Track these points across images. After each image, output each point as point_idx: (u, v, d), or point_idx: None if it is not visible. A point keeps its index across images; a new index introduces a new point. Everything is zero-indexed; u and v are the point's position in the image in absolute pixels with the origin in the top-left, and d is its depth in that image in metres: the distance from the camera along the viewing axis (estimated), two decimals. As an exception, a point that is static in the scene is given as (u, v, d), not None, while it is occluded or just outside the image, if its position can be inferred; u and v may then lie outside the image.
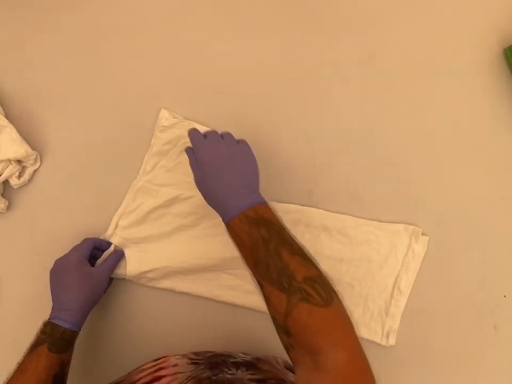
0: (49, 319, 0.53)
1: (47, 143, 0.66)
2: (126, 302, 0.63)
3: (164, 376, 0.44)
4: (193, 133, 0.52)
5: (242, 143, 0.52)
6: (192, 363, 0.48)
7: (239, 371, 0.46)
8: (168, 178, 0.63)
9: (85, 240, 0.59)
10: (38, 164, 0.65)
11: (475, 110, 0.66)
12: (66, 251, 0.62)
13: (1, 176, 0.62)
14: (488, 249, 0.62)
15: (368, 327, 0.60)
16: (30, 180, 0.65)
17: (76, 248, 0.58)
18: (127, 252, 0.61)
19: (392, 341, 0.59)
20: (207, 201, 0.50)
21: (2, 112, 0.64)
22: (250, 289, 0.60)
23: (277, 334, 0.42)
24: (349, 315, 0.41)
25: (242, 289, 0.61)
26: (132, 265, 0.61)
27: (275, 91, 0.67)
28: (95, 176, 0.65)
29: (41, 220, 0.64)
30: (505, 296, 0.61)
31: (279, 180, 0.65)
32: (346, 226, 0.61)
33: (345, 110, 0.66)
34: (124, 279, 0.62)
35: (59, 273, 0.56)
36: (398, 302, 0.59)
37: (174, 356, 0.50)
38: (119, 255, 0.60)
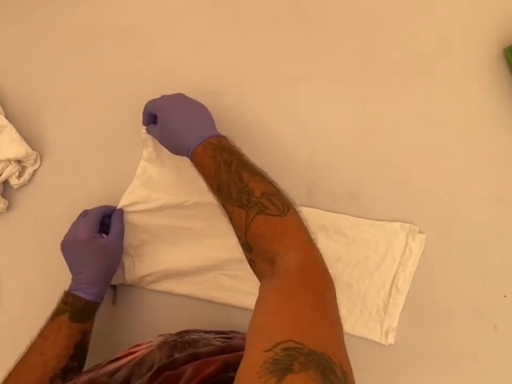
0: (69, 290, 0.54)
1: (47, 143, 0.66)
2: (126, 304, 0.63)
3: (139, 350, 0.47)
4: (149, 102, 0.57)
5: (179, 95, 0.56)
6: (166, 339, 0.50)
7: (207, 335, 0.48)
8: (158, 184, 0.63)
9: (90, 212, 0.58)
10: (38, 163, 0.65)
11: (475, 110, 0.66)
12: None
13: (1, 176, 0.62)
14: (488, 249, 0.62)
15: (367, 326, 0.60)
16: (30, 180, 0.65)
17: (82, 224, 0.56)
18: (124, 257, 0.61)
19: (391, 339, 0.59)
20: (173, 151, 0.54)
21: (2, 112, 0.64)
22: (247, 290, 0.60)
23: None
24: (306, 225, 0.43)
25: (239, 291, 0.61)
26: (130, 270, 0.61)
27: (275, 91, 0.67)
28: (94, 176, 0.65)
29: (41, 220, 0.64)
30: (505, 296, 0.61)
31: (279, 180, 0.64)
32: (343, 226, 0.61)
33: (345, 110, 0.66)
34: (123, 283, 0.62)
35: (72, 250, 0.56)
36: (396, 301, 0.59)
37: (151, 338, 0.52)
38: (121, 215, 0.60)
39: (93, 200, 0.64)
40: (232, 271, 0.61)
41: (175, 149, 0.53)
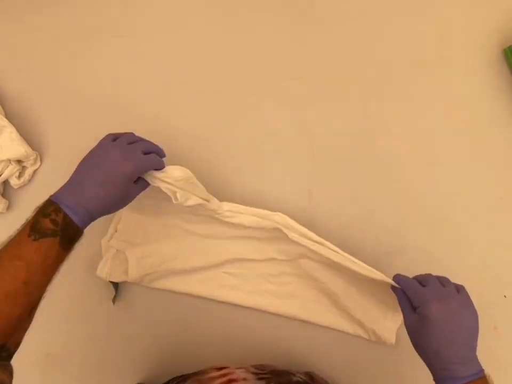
0: (59, 203, 0.43)
1: (47, 143, 0.66)
2: (128, 303, 0.63)
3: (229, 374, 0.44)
4: (407, 282, 0.47)
5: (463, 293, 0.46)
6: (259, 379, 0.47)
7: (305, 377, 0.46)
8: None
9: (149, 159, 0.49)
10: (38, 164, 0.65)
11: (475, 109, 0.66)
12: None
13: (1, 176, 0.62)
14: (488, 249, 0.62)
15: (365, 328, 0.59)
16: (30, 180, 0.65)
17: (138, 160, 0.47)
18: (127, 254, 0.61)
19: (391, 340, 0.59)
20: (419, 352, 0.45)
21: (3, 112, 0.64)
22: (250, 289, 0.60)
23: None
24: None
25: (242, 290, 0.61)
26: (133, 268, 0.61)
27: (275, 91, 0.67)
28: (95, 176, 0.65)
29: (41, 220, 0.64)
30: (505, 296, 0.61)
31: (279, 180, 0.65)
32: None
33: (345, 110, 0.66)
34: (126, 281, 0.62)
35: (103, 170, 0.46)
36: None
37: (236, 368, 0.49)
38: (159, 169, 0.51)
39: (93, 200, 0.64)
40: (236, 270, 0.61)
41: (421, 355, 0.45)
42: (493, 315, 0.60)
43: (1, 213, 0.63)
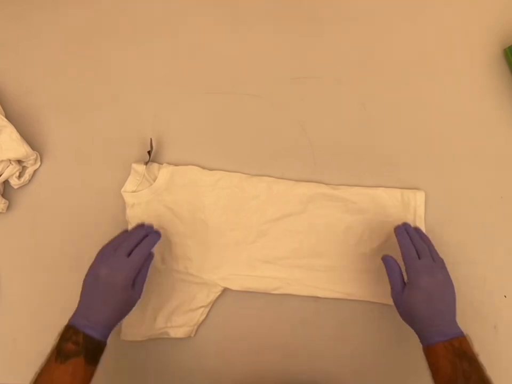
0: (77, 326, 0.48)
1: (47, 143, 0.66)
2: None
3: None
4: (409, 249, 0.53)
5: (445, 268, 0.54)
6: None
7: None
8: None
9: (136, 254, 0.52)
10: (38, 164, 0.65)
11: (475, 110, 0.66)
12: (66, 252, 0.63)
13: (1, 176, 0.62)
14: (488, 249, 0.62)
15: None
16: (30, 180, 0.65)
17: (126, 267, 0.51)
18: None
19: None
20: (404, 317, 0.53)
21: (3, 112, 0.64)
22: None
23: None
24: None
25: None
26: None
27: (275, 91, 0.67)
28: (95, 176, 0.65)
29: (41, 220, 0.64)
30: (505, 296, 0.61)
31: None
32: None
33: (345, 110, 0.66)
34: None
35: (101, 287, 0.50)
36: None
37: None
38: (148, 265, 0.56)
39: (93, 200, 0.64)
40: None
41: (405, 319, 0.53)
42: (493, 315, 0.60)
43: (1, 213, 0.63)
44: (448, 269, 0.53)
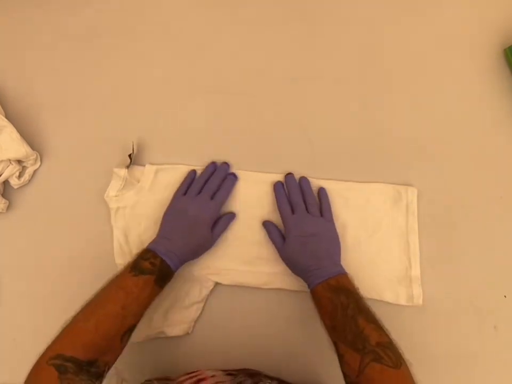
0: (157, 251, 0.53)
1: (47, 143, 0.66)
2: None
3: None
4: (282, 206, 0.59)
5: (326, 214, 0.59)
6: (228, 374, 0.50)
7: (274, 382, 0.50)
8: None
9: (221, 193, 0.60)
10: (38, 164, 0.65)
11: (475, 110, 0.66)
12: (66, 252, 0.63)
13: (1, 176, 0.62)
14: (488, 249, 0.62)
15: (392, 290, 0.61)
16: (30, 180, 0.65)
17: (211, 207, 0.58)
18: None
19: (418, 301, 0.60)
20: (290, 267, 0.57)
21: (3, 112, 0.64)
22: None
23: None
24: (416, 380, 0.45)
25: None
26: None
27: (275, 91, 0.67)
28: (95, 176, 0.65)
29: (41, 220, 0.64)
30: (505, 296, 0.61)
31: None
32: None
33: (345, 110, 0.66)
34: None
35: (185, 221, 0.56)
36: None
37: (207, 370, 0.51)
38: (231, 217, 0.61)
39: (93, 200, 0.64)
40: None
41: (291, 269, 0.57)
42: (493, 315, 0.60)
43: (1, 213, 0.64)
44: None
